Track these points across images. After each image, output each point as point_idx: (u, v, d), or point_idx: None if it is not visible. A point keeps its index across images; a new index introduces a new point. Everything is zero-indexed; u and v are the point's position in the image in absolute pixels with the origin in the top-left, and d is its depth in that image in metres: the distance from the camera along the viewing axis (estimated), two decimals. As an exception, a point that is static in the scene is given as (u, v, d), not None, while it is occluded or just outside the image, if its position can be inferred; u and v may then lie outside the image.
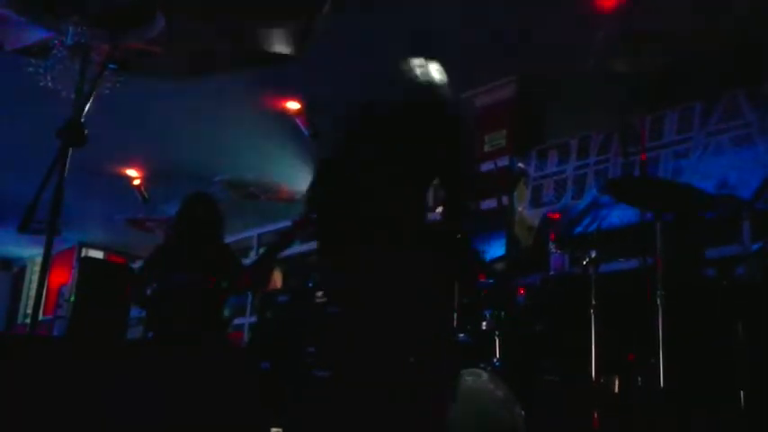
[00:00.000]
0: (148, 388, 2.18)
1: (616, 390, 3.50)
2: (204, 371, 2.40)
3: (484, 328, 3.78)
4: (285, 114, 7.18)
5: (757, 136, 4.98)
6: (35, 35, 5.55)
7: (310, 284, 6.76)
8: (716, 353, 3.44)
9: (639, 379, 3.42)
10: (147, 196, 9.05)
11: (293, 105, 7.10)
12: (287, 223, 8.63)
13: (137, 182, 9.09)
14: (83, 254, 12.20)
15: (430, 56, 2.99)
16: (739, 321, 3.34)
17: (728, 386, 3.29)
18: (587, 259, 3.52)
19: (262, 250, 9.14)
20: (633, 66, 5.51)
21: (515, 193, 6.19)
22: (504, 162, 6.21)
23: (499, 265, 4.68)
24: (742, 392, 3.21)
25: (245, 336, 7.96)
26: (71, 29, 5.19)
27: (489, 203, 5.81)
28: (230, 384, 2.53)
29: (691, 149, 5.26)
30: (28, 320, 13.49)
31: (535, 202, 6.08)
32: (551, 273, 4.11)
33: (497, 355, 3.67)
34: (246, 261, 8.72)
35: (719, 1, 5.29)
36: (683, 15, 5.41)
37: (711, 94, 5.31)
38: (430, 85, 2.81)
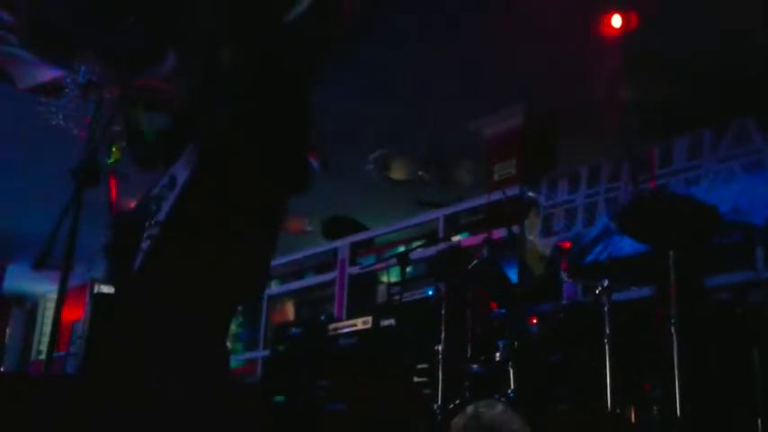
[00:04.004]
0: (162, 427, 2.18)
1: (632, 420, 3.47)
2: (219, 407, 2.40)
3: (498, 358, 3.76)
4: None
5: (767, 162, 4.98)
6: (48, 74, 5.62)
7: (323, 317, 6.76)
8: (732, 380, 3.41)
9: (655, 408, 3.39)
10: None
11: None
12: (297, 256, 8.69)
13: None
14: (96, 290, 12.23)
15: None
16: (755, 348, 3.32)
17: (746, 414, 3.26)
18: (600, 288, 3.50)
19: (274, 283, 9.17)
20: (642, 93, 5.55)
21: (526, 223, 6.19)
22: (513, 191, 6.21)
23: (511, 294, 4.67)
24: (759, 420, 3.19)
25: (259, 370, 7.94)
26: (83, 67, 5.25)
27: (500, 233, 5.81)
28: (244, 420, 2.53)
29: (702, 176, 5.26)
30: (41, 357, 13.51)
31: (546, 230, 6.08)
32: (564, 302, 4.09)
33: (512, 386, 3.66)
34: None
35: (728, 27, 5.33)
36: (690, 43, 5.44)
37: (721, 120, 5.31)
38: None
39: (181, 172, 2.36)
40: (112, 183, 4.92)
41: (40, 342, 14.06)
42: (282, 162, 2.46)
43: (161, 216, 2.31)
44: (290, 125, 2.49)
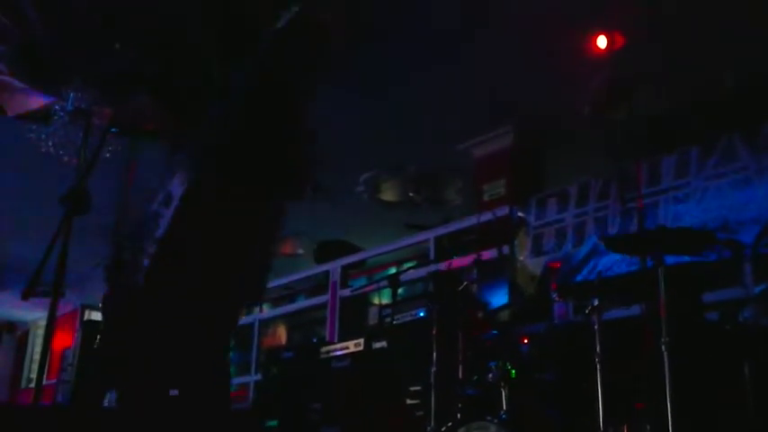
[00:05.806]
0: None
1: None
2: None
3: (490, 379, 3.76)
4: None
5: (755, 179, 5.01)
6: (37, 101, 5.62)
7: (315, 340, 6.74)
8: (724, 397, 3.41)
9: (648, 427, 3.39)
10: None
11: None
12: (290, 278, 8.68)
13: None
14: (86, 316, 12.18)
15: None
16: (746, 364, 3.32)
17: (738, 431, 3.26)
18: (590, 307, 3.50)
19: (266, 307, 9.15)
20: (628, 111, 5.58)
21: (516, 243, 6.19)
22: (503, 211, 6.23)
23: (502, 315, 4.68)
24: (751, 437, 3.19)
25: (251, 394, 7.90)
26: (72, 94, 5.25)
27: (490, 253, 5.82)
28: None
29: (689, 194, 5.28)
30: (32, 384, 13.40)
31: (536, 250, 6.08)
32: (555, 321, 4.10)
33: (504, 407, 3.65)
34: (252, 318, 8.73)
35: (710, 46, 5.37)
36: (674, 60, 5.49)
37: (708, 137, 5.34)
38: None
39: (177, 189, 2.39)
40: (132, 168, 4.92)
41: (30, 369, 13.96)
42: (278, 172, 2.49)
43: (159, 233, 2.33)
44: (283, 135, 2.52)
